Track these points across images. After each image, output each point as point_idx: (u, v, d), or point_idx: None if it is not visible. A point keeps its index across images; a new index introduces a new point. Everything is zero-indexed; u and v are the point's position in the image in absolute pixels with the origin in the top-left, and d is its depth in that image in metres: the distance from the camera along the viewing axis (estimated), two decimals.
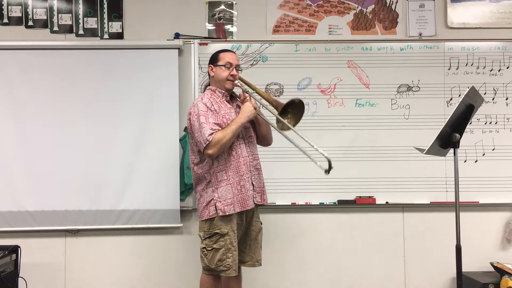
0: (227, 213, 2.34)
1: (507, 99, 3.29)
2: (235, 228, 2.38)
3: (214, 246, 2.35)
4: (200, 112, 2.35)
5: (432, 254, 3.25)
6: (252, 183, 2.44)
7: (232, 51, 2.57)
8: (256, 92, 2.50)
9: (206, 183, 2.41)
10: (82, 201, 3.12)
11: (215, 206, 2.35)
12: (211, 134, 2.28)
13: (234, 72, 2.46)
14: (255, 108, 2.40)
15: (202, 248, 2.41)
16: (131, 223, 3.15)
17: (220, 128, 2.33)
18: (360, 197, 3.21)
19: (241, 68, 2.61)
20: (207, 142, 2.27)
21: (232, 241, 2.35)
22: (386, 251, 3.27)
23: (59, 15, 3.27)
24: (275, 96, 3.24)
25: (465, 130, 2.35)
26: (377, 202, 3.21)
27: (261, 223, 2.58)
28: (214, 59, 2.51)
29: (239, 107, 2.49)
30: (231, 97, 2.55)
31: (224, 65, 2.45)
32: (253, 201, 2.44)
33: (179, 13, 3.30)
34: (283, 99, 3.19)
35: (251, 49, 3.25)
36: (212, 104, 2.42)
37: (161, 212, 3.15)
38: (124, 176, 3.14)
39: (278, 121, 2.36)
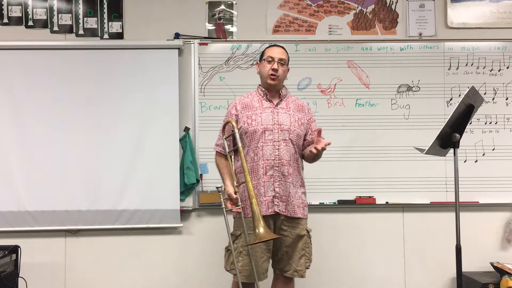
0: (238, 216, 2.28)
1: (507, 99, 3.29)
2: (250, 232, 2.22)
3: (230, 247, 2.29)
4: (225, 117, 2.48)
5: (432, 254, 3.26)
6: (274, 189, 2.28)
7: (280, 46, 2.45)
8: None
9: None
10: (82, 201, 3.12)
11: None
12: (216, 149, 2.44)
13: (275, 66, 2.33)
14: (230, 197, 2.25)
15: (225, 247, 2.38)
16: (131, 223, 3.15)
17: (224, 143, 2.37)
18: (360, 197, 3.21)
19: (285, 62, 2.41)
20: (214, 149, 2.46)
21: (243, 245, 2.25)
22: (386, 251, 3.27)
23: (59, 15, 3.27)
24: None
25: (465, 130, 2.35)
26: (377, 202, 3.21)
27: (307, 230, 2.36)
28: (260, 56, 2.46)
29: (286, 108, 2.39)
30: (280, 96, 2.42)
31: (265, 59, 2.37)
32: (275, 209, 2.26)
33: (179, 13, 3.30)
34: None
35: (251, 49, 3.25)
36: (236, 106, 2.39)
37: (161, 212, 3.15)
38: (124, 176, 3.14)
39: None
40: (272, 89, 2.41)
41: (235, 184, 2.29)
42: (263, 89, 2.42)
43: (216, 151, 2.45)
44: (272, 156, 2.30)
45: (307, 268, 2.38)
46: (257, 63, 2.49)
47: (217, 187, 2.25)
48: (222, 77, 3.24)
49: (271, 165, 2.29)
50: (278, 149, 2.31)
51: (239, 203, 2.24)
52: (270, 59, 2.36)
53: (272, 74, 2.34)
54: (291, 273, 2.33)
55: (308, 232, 2.38)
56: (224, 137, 2.37)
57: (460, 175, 2.35)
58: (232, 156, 2.39)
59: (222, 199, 2.24)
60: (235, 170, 2.36)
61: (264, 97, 2.40)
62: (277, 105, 2.39)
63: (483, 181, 3.23)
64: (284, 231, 2.32)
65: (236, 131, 2.29)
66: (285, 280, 2.38)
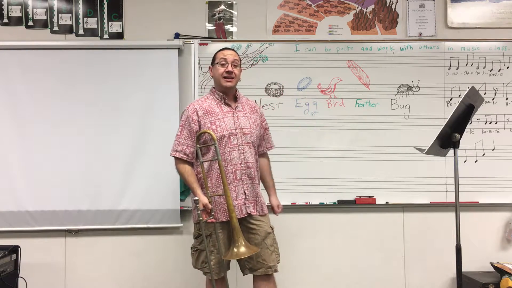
0: (208, 221, 2.27)
1: (507, 99, 3.29)
2: (219, 231, 2.32)
3: (199, 247, 2.35)
4: (181, 121, 2.42)
5: (432, 254, 3.26)
6: (244, 192, 2.35)
7: (231, 48, 2.49)
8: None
9: None
10: (82, 201, 3.12)
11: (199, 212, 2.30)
12: (176, 154, 2.36)
13: (229, 68, 2.36)
14: (204, 208, 2.24)
15: (191, 247, 2.45)
16: (131, 223, 3.15)
17: (190, 147, 2.33)
18: (360, 197, 3.21)
19: (241, 64, 2.46)
20: (172, 155, 2.38)
21: (215, 243, 2.30)
22: (386, 251, 3.27)
23: (59, 15, 3.27)
24: (275, 95, 3.24)
25: (465, 130, 2.35)
26: (377, 202, 3.21)
27: (272, 227, 2.43)
28: (212, 60, 2.48)
29: (243, 110, 2.43)
30: (235, 99, 2.46)
31: (218, 62, 2.40)
32: (246, 210, 2.34)
33: (179, 13, 3.30)
34: (283, 99, 3.23)
35: (251, 49, 3.25)
36: (197, 111, 2.35)
37: (161, 212, 3.15)
38: (124, 176, 3.14)
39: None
40: (229, 93, 2.43)
41: (209, 194, 2.28)
42: (220, 93, 2.42)
43: (178, 158, 2.37)
44: (239, 161, 2.35)
45: (278, 263, 2.42)
46: (209, 67, 2.50)
47: (193, 199, 2.26)
48: None
49: (239, 169, 2.35)
50: (243, 153, 2.36)
51: (213, 213, 2.27)
52: (223, 62, 2.38)
53: (226, 76, 2.37)
54: (265, 270, 2.36)
55: (272, 229, 2.43)
56: (198, 146, 2.30)
57: (460, 175, 2.36)
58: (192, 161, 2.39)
59: (199, 212, 2.22)
60: (198, 175, 2.36)
61: (222, 101, 2.41)
62: (235, 108, 2.42)
63: (483, 181, 3.23)
64: (252, 230, 2.37)
65: (217, 143, 2.24)
66: (265, 279, 2.39)
